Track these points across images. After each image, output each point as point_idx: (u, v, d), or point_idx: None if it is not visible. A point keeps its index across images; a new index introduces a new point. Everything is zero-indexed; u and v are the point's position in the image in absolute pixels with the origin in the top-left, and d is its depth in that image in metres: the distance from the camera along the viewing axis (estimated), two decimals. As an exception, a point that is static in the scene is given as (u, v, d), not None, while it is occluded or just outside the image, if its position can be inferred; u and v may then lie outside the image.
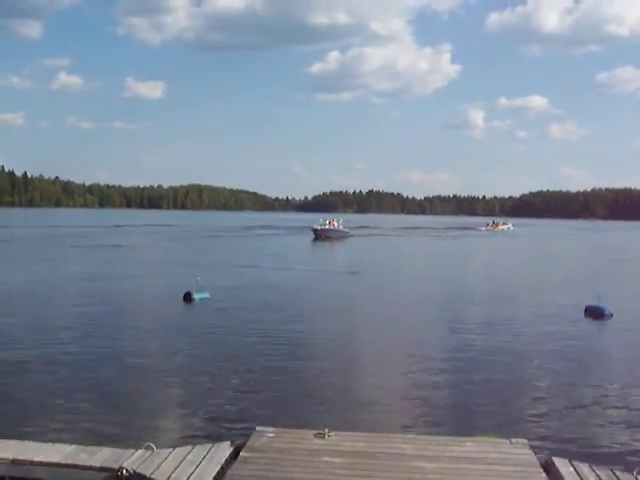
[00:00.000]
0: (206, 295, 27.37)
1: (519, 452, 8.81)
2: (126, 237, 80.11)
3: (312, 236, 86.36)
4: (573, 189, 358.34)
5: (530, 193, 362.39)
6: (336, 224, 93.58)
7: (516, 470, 8.21)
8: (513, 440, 9.23)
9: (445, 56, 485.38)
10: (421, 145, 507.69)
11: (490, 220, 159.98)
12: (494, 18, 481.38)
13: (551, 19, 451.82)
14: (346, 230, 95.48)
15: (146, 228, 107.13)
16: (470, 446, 9.02)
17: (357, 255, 61.59)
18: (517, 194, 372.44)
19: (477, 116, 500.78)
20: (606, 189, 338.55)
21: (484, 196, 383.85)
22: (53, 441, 8.99)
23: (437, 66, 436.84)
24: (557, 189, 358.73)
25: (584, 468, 8.34)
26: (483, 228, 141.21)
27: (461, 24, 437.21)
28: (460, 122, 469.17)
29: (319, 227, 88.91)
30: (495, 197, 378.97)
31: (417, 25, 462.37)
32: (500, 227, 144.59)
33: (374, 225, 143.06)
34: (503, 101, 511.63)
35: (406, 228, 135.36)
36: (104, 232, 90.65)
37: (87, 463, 8.12)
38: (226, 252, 60.44)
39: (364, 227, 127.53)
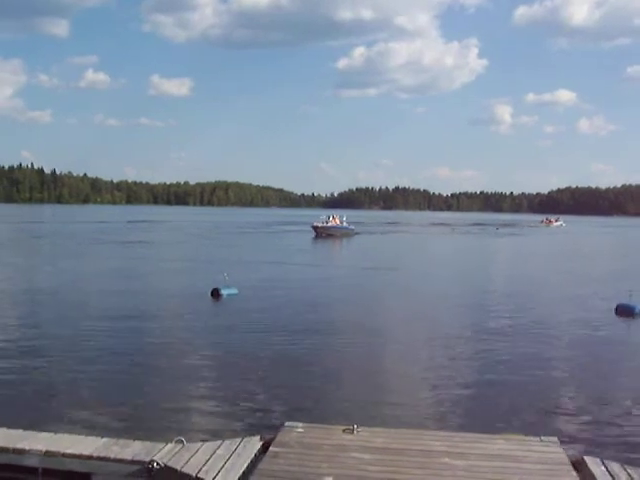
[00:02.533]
0: (234, 291, 27.48)
1: (549, 450, 8.72)
2: (152, 233, 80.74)
3: (313, 234, 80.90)
4: (602, 185, 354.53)
5: (558, 189, 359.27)
6: (338, 221, 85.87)
7: (547, 468, 8.12)
8: (543, 438, 9.14)
9: (472, 51, 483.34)
10: (447, 141, 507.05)
11: (543, 217, 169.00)
12: (522, 12, 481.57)
13: (580, 12, 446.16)
14: (351, 227, 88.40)
15: (171, 224, 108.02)
16: (500, 443, 8.95)
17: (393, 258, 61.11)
18: (545, 190, 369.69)
19: (504, 111, 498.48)
20: (636, 185, 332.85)
21: (511, 192, 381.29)
22: (85, 434, 9.08)
23: (464, 61, 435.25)
24: (586, 185, 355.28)
25: (615, 467, 8.24)
26: (537, 224, 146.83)
27: (488, 18, 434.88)
28: (487, 117, 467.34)
29: (320, 224, 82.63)
30: (523, 193, 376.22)
31: (443, 20, 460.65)
32: (554, 224, 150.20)
33: (446, 223, 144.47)
34: (531, 96, 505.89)
35: (468, 225, 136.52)
36: (132, 228, 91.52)
37: (118, 456, 8.19)
38: (243, 248, 60.88)
39: (438, 225, 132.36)
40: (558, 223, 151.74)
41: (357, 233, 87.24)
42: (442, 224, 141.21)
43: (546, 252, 66.49)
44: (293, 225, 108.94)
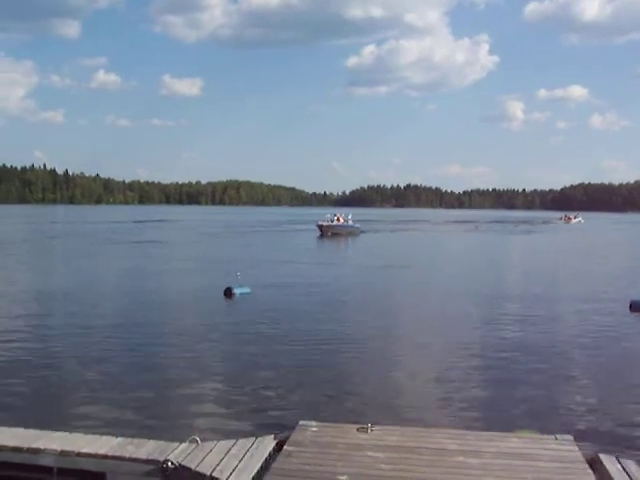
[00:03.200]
0: (247, 290, 27.49)
1: (564, 448, 8.66)
2: (165, 233, 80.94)
3: (318, 233, 79.47)
4: (615, 181, 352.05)
5: (571, 186, 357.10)
6: (342, 219, 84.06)
7: (562, 466, 8.07)
8: (558, 436, 9.08)
9: (483, 47, 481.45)
10: (459, 138, 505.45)
11: (561, 214, 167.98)
12: (532, 7, 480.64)
13: (591, 7, 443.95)
14: (357, 225, 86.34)
15: (183, 223, 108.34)
16: (514, 442, 8.91)
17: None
18: (558, 187, 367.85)
19: (516, 108, 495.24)
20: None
21: (524, 189, 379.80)
22: (100, 433, 9.10)
23: (474, 57, 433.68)
24: (598, 181, 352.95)
25: (631, 465, 8.18)
26: (557, 221, 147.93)
27: (498, 14, 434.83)
28: (499, 114, 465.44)
29: (325, 223, 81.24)
30: (535, 190, 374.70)
31: (453, 16, 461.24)
32: (573, 221, 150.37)
33: (470, 220, 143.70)
34: (542, 92, 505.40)
35: (493, 222, 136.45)
36: (145, 228, 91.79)
37: (133, 455, 8.20)
38: (254, 247, 61.00)
39: (453, 222, 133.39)
40: (577, 220, 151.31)
41: (363, 231, 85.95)
42: (456, 221, 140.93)
43: (570, 249, 66.15)
44: (303, 224, 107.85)
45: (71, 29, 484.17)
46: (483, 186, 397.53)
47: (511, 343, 19.03)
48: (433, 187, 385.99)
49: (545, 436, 9.21)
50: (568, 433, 9.42)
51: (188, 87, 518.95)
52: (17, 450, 8.34)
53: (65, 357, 16.74)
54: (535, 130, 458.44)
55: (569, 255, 56.89)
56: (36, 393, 13.68)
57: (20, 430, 9.00)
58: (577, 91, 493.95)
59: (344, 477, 7.62)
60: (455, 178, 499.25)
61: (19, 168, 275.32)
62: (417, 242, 77.80)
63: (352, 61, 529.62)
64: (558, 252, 61.00)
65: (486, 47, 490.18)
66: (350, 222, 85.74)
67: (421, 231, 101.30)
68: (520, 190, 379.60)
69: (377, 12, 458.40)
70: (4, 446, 8.35)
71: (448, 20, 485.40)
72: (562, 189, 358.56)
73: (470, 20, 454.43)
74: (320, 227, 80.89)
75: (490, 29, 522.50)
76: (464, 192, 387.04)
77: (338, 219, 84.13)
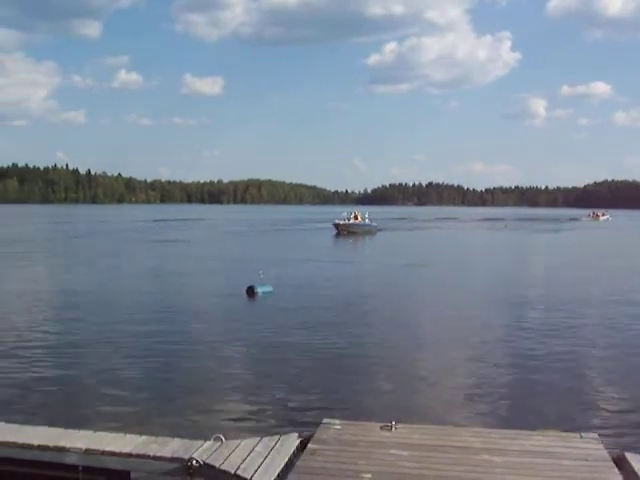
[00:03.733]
0: (269, 289, 27.53)
1: (589, 447, 8.55)
2: (187, 232, 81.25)
3: (334, 232, 78.62)
4: (639, 178, 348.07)
5: (595, 183, 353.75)
6: (360, 217, 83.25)
7: (587, 465, 7.97)
8: (583, 434, 8.98)
9: (505, 44, 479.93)
10: (481, 136, 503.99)
11: (589, 211, 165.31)
12: (555, 3, 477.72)
13: (615, 2, 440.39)
14: (373, 224, 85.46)
15: (206, 222, 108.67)
16: (539, 440, 8.82)
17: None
18: (581, 184, 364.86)
19: (538, 105, 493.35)
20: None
21: (546, 187, 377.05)
22: (125, 432, 9.15)
23: (496, 54, 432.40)
24: (622, 178, 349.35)
25: (659, 464, 8.09)
26: (585, 219, 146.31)
27: (521, 11, 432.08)
28: (521, 111, 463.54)
29: (342, 222, 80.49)
30: (558, 188, 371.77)
31: (475, 13, 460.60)
32: (601, 218, 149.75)
33: (496, 218, 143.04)
34: (565, 89, 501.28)
35: (520, 220, 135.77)
36: (167, 227, 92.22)
37: (158, 453, 8.22)
38: (274, 246, 61.22)
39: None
40: (605, 217, 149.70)
41: (380, 230, 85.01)
42: (483, 219, 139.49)
43: (605, 246, 65.51)
44: (323, 222, 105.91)
45: (92, 29, 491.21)
46: (506, 184, 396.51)
47: (537, 342, 18.87)
48: (455, 185, 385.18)
49: (570, 434, 9.11)
50: (594, 431, 9.33)
51: (209, 86, 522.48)
52: (43, 448, 8.39)
53: (89, 356, 16.87)
54: (558, 127, 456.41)
55: (604, 253, 55.84)
56: (60, 392, 13.79)
57: (45, 429, 9.06)
58: (600, 87, 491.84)
59: (368, 475, 7.59)
60: (478, 176, 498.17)
61: (42, 168, 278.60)
62: (443, 241, 77.15)
63: (373, 59, 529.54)
64: (594, 250, 60.26)
65: (508, 44, 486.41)
66: (367, 221, 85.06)
67: (445, 229, 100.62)
68: (543, 188, 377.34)
69: (398, 9, 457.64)
70: (30, 445, 8.40)
71: (470, 17, 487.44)
72: (585, 186, 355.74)
73: (492, 17, 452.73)
74: (336, 226, 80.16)
75: (512, 26, 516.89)
76: (487, 190, 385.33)
77: (356, 217, 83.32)
